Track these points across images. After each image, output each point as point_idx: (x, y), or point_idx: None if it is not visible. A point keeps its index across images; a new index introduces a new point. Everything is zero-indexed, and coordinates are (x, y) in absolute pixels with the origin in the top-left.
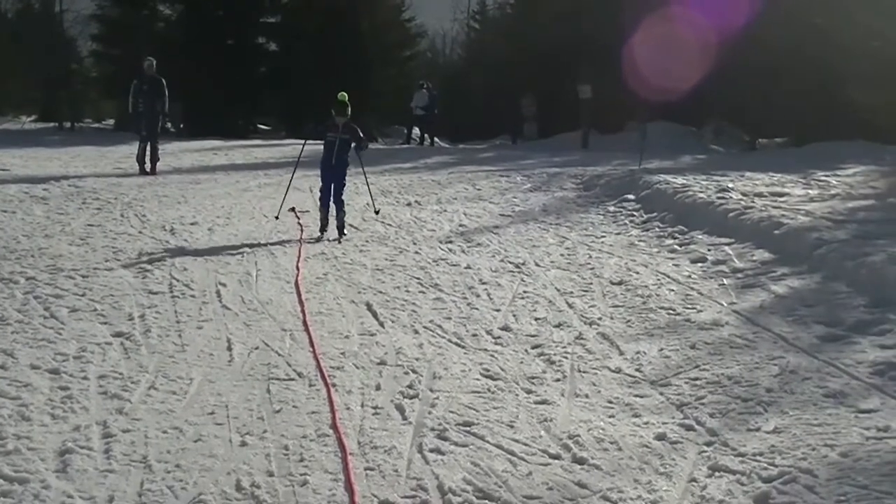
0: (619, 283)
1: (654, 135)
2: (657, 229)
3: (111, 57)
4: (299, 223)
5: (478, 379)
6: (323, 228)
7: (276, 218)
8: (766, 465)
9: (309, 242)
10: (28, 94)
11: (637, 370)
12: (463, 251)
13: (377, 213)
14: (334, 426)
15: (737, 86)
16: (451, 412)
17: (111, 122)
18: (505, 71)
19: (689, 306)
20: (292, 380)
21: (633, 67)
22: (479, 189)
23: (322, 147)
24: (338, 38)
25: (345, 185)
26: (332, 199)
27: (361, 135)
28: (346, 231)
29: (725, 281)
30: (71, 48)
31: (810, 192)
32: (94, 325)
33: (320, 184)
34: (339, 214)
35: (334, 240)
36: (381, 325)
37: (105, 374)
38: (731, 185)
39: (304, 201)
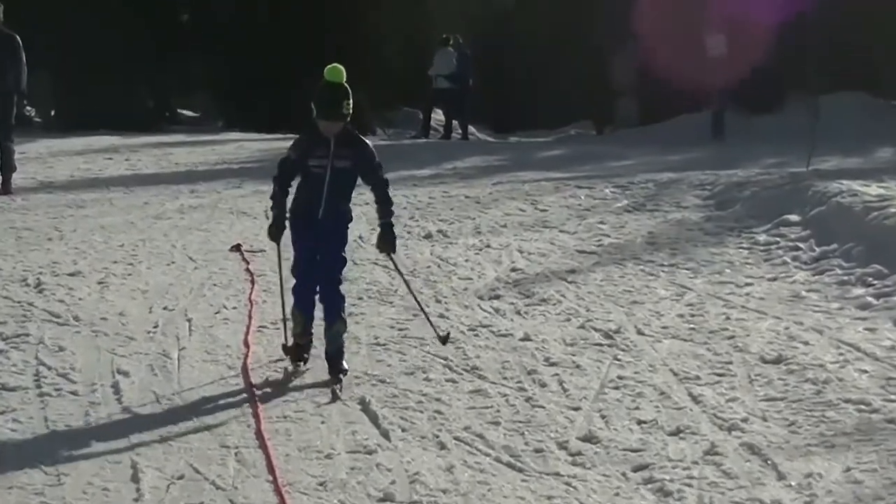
0: (777, 362)
1: (831, 114)
2: (838, 271)
3: None
4: (248, 269)
5: None
6: (300, 353)
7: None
8: None
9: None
10: None
11: None
12: (518, 312)
13: (445, 340)
14: None
15: None
16: None
17: None
18: (586, 12)
19: (894, 397)
20: None
21: (795, 8)
22: (543, 209)
23: (300, 185)
24: None
25: (344, 263)
26: (319, 291)
27: (377, 158)
28: (345, 363)
29: None
30: None
31: None
32: None
33: (294, 261)
34: (335, 325)
35: (329, 384)
36: (385, 435)
37: None
38: None
39: (257, 234)
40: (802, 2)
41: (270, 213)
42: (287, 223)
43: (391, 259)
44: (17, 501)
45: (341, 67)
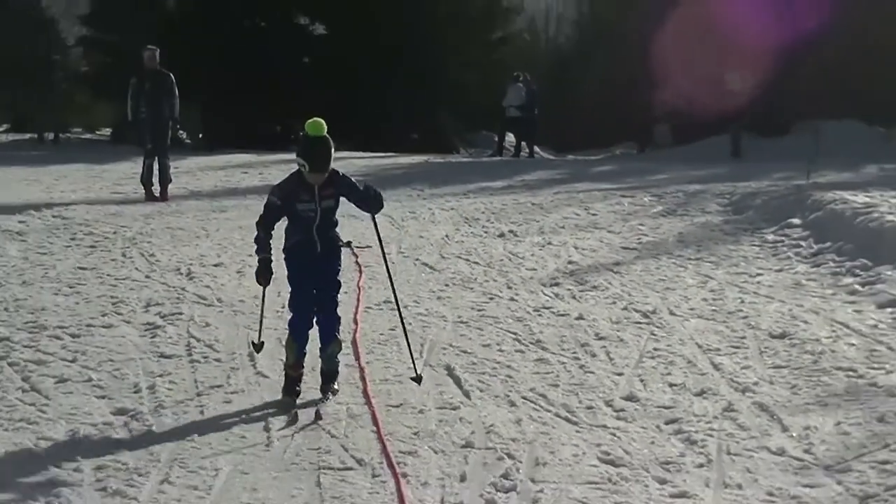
0: (782, 337)
1: (830, 138)
2: (831, 264)
3: (106, 45)
4: (357, 262)
5: (595, 465)
6: (293, 383)
7: (257, 347)
8: None
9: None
10: None
11: (806, 451)
12: (573, 296)
13: (418, 381)
14: None
15: None
16: None
17: (107, 132)
18: (631, 56)
19: (876, 366)
20: (350, 469)
21: (800, 47)
22: (594, 214)
23: (290, 226)
24: (402, 15)
25: (340, 285)
26: (316, 318)
27: (361, 187)
28: (337, 384)
29: None
30: (52, 33)
31: None
32: (89, 400)
33: (293, 295)
34: (330, 348)
35: (318, 402)
36: (467, 395)
37: (103, 464)
38: None
39: (363, 233)
40: (810, 41)
41: (256, 256)
42: (284, 261)
43: (374, 222)
44: (175, 446)
45: (322, 121)
